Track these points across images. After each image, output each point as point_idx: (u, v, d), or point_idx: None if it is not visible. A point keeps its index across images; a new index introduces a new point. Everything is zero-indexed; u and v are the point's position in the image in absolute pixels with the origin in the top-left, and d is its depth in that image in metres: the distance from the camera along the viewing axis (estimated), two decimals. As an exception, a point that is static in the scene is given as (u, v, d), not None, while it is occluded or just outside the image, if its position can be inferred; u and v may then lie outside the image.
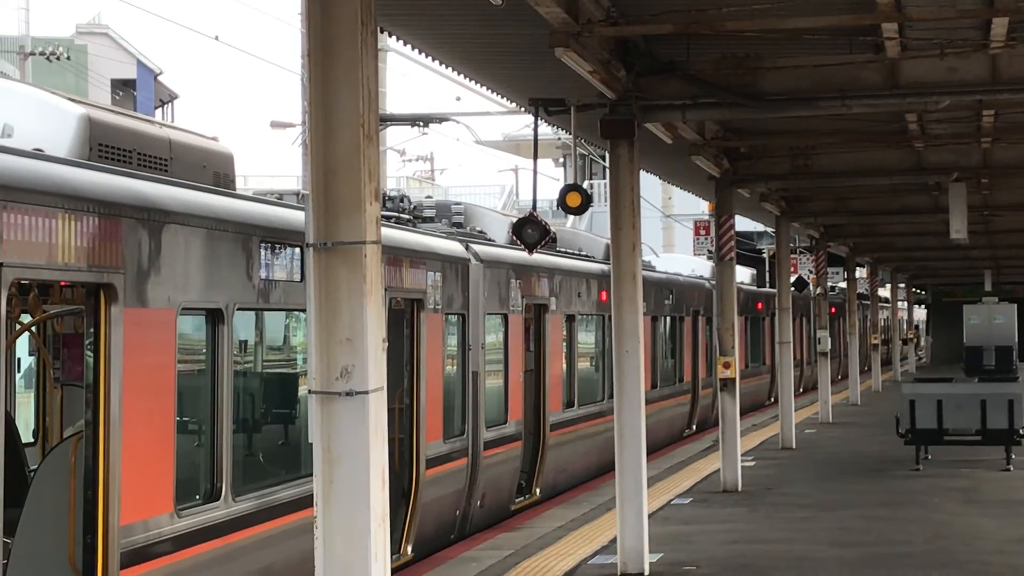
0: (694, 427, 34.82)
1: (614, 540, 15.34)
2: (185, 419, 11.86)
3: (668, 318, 32.64)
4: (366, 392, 8.00)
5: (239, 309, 12.43)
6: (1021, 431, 23.72)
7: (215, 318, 12.08)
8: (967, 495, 20.86)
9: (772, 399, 43.52)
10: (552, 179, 76.76)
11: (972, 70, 15.94)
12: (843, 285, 50.46)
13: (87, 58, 58.04)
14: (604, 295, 25.63)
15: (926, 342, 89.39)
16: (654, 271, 32.57)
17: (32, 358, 13.80)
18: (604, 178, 61.84)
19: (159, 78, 65.02)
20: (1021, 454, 24.46)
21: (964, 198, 24.68)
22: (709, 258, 44.70)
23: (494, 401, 20.05)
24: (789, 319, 29.59)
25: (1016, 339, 58.58)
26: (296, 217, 13.38)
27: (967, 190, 24.89)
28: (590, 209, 17.96)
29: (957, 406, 23.75)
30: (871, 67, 16.11)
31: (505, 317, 20.45)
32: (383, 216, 17.40)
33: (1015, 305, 60.89)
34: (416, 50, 15.10)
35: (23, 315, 12.06)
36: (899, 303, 70.90)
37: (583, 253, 27.09)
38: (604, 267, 25.12)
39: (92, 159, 11.16)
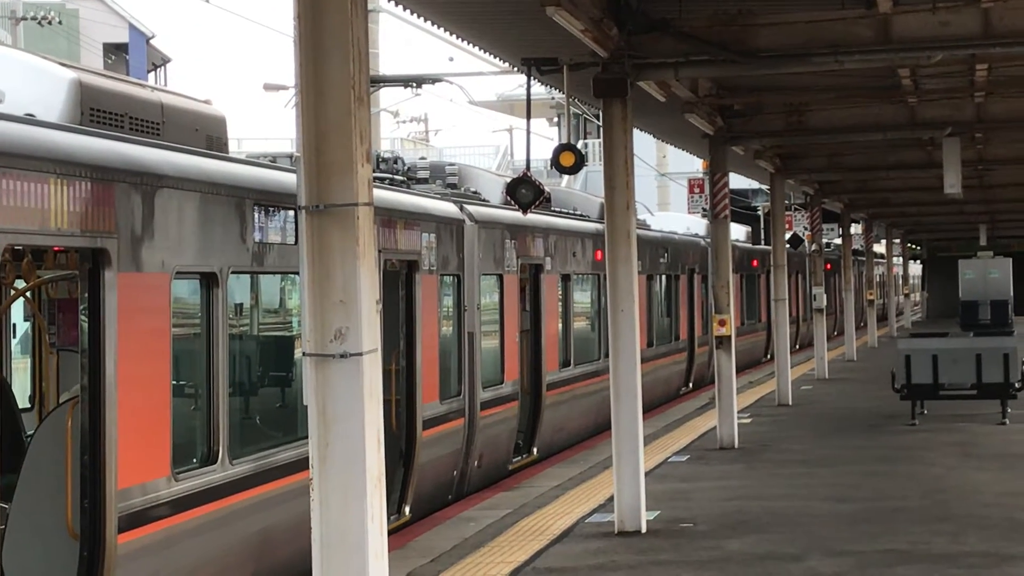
0: (690, 385, 34.88)
1: (611, 498, 15.38)
2: (181, 383, 11.88)
3: (663, 276, 32.66)
4: (360, 354, 8.01)
5: (233, 272, 12.43)
6: (1016, 385, 23.79)
7: (209, 282, 12.08)
8: (963, 449, 20.92)
9: (768, 356, 43.58)
10: (546, 139, 76.69)
11: (965, 24, 15.90)
12: (838, 241, 50.45)
13: (79, 22, 57.88)
14: (599, 254, 25.62)
15: (921, 296, 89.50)
16: (649, 230, 32.57)
17: (27, 323, 13.81)
18: (598, 137, 61.77)
19: (151, 42, 64.84)
20: (1016, 408, 24.50)
21: (958, 153, 24.67)
22: (704, 216, 44.69)
23: (490, 362, 20.07)
24: (784, 276, 29.61)
25: (1011, 293, 58.68)
26: (290, 180, 13.36)
27: (961, 145, 24.88)
28: (584, 168, 17.96)
29: (953, 361, 23.78)
30: (863, 22, 16.06)
31: (500, 278, 20.45)
32: (377, 178, 17.39)
33: (1010, 259, 60.98)
34: (407, 10, 15.05)
35: (17, 280, 12.06)
36: (895, 259, 70.91)
37: (578, 213, 27.07)
38: (599, 226, 25.11)
39: (84, 124, 11.15)
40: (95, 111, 11.35)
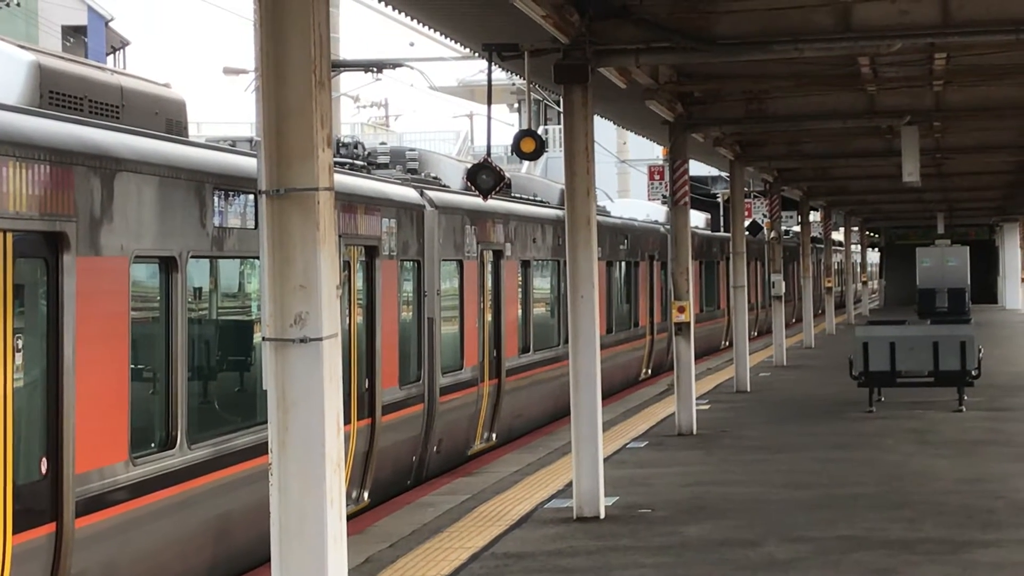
0: (649, 371, 34.96)
1: (570, 484, 15.40)
2: (139, 367, 11.85)
3: (623, 263, 32.71)
4: (320, 339, 8.00)
5: (193, 257, 12.40)
6: (973, 372, 23.91)
7: (168, 266, 12.05)
8: (920, 436, 21.02)
9: (727, 343, 43.69)
10: (507, 125, 76.57)
11: (924, 13, 15.96)
12: (797, 229, 50.58)
13: (37, 4, 57.53)
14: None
15: (879, 284, 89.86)
16: (609, 216, 32.61)
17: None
18: (559, 123, 61.76)
19: (110, 24, 64.51)
20: (973, 395, 24.64)
21: (916, 141, 24.77)
22: (664, 203, 44.75)
23: (450, 347, 20.07)
24: (743, 263, 29.68)
25: (968, 281, 58.93)
26: (250, 164, 13.34)
27: (919, 133, 24.97)
28: (545, 155, 17.89)
29: (910, 348, 23.87)
30: (823, 10, 16.11)
31: (460, 263, 20.45)
32: (338, 163, 17.35)
33: (967, 248, 61.25)
34: (368, -5, 15.01)
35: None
36: (853, 246, 71.18)
37: (538, 199, 27.08)
38: (559, 212, 25.14)
39: (43, 106, 11.10)
40: (54, 94, 11.30)
